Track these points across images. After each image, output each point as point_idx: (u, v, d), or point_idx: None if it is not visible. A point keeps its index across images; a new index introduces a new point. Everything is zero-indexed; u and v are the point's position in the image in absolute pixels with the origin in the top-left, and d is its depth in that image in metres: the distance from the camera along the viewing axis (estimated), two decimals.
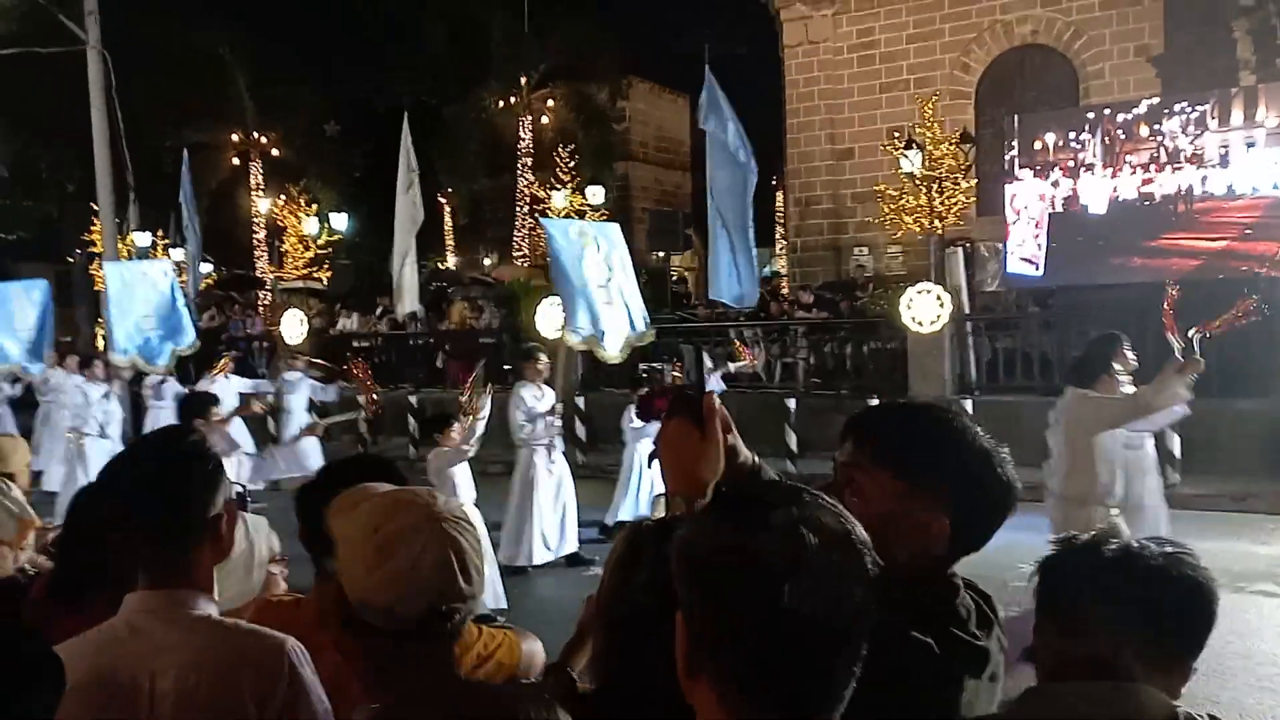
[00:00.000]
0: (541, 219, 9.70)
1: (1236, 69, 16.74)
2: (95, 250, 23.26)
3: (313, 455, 8.16)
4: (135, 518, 1.77)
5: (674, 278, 25.07)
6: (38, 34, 16.22)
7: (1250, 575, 7.44)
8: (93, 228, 23.99)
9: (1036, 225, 12.59)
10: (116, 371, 11.38)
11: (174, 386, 12.59)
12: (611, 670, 1.49)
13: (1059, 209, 12.35)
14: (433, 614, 1.43)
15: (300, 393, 12.22)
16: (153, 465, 1.82)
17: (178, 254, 24.04)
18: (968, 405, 11.01)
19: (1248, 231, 11.44)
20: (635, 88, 31.09)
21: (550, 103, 27.95)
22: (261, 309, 23.92)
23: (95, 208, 17.87)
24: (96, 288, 19.77)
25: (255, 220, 29.55)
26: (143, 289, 11.12)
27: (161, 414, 12.42)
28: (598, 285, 8.92)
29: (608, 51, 26.73)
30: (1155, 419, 5.53)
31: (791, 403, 12.60)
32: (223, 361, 12.06)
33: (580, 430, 13.73)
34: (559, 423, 8.69)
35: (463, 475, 6.73)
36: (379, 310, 19.61)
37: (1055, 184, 12.34)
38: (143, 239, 24.99)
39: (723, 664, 1.03)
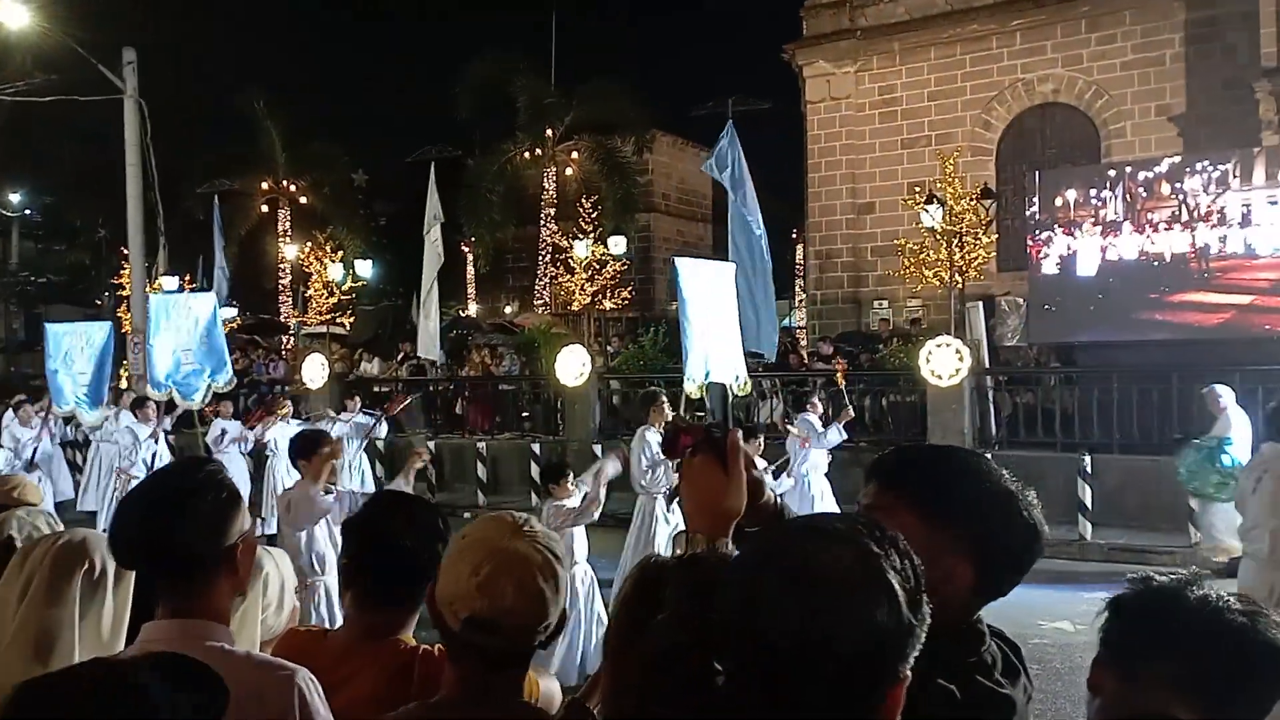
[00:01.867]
0: (675, 258, 9.14)
1: (1259, 129, 16.82)
2: (124, 294, 23.61)
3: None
4: (146, 551, 1.79)
5: None
6: (76, 82, 16.66)
7: None
8: (122, 271, 24.38)
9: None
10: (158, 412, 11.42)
11: (233, 429, 12.57)
12: (638, 707, 1.52)
13: (1059, 266, 12.51)
14: (520, 633, 1.59)
15: (359, 434, 12.36)
16: (161, 499, 1.83)
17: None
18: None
19: (1270, 290, 11.40)
20: (659, 140, 31.44)
21: (574, 155, 28.32)
22: (285, 353, 24.14)
23: (126, 252, 18.19)
24: (124, 330, 20.09)
25: (281, 266, 29.95)
26: (184, 321, 10.94)
27: (230, 462, 12.41)
28: (716, 330, 8.53)
29: (632, 106, 27.13)
30: None
31: None
32: (283, 404, 12.18)
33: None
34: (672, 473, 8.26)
35: (578, 531, 6.51)
36: (400, 355, 19.75)
37: (1049, 241, 12.50)
38: (171, 283, 25.34)
39: (728, 672, 1.11)
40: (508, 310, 29.96)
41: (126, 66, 15.65)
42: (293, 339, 26.29)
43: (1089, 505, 10.48)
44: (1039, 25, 20.27)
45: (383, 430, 12.94)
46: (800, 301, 27.43)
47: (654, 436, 8.18)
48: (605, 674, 2.06)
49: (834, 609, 1.03)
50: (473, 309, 30.74)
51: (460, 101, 26.98)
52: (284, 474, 11.54)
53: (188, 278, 27.13)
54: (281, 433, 11.81)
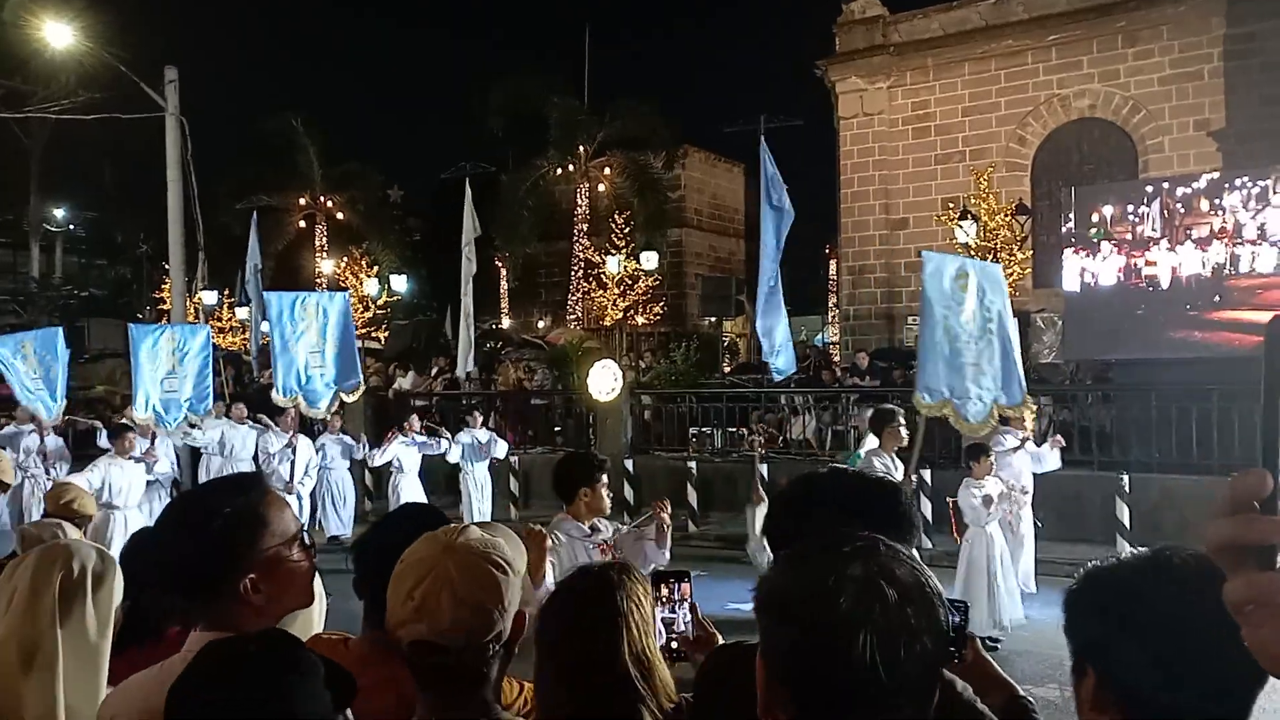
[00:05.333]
0: (924, 251, 8.24)
1: None
2: (164, 308, 23.99)
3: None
4: (160, 571, 1.87)
5: (725, 342, 25.17)
6: (119, 100, 17.00)
7: None
8: (163, 286, 24.78)
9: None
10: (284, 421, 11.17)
11: (339, 442, 12.51)
12: None
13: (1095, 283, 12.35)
14: (468, 648, 1.54)
15: (483, 455, 12.17)
16: (174, 522, 1.88)
17: (242, 312, 24.70)
18: None
19: None
20: (691, 156, 31.55)
21: (607, 170, 28.46)
22: None
23: (166, 267, 18.49)
24: None
25: (318, 281, 30.31)
26: (314, 322, 10.43)
27: (333, 473, 12.37)
28: (967, 340, 7.54)
29: (663, 122, 27.25)
30: None
31: None
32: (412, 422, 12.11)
33: (628, 492, 13.68)
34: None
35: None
36: (434, 370, 19.89)
37: (1104, 258, 12.31)
38: (210, 297, 25.73)
39: (797, 705, 1.09)
40: (540, 325, 30.11)
41: (168, 85, 15.92)
42: None
43: (1127, 525, 10.33)
44: (1075, 40, 20.12)
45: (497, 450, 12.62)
46: (833, 317, 27.33)
47: (880, 461, 7.39)
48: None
49: (921, 616, 1.07)
50: (506, 323, 30.94)
51: (493, 119, 27.23)
52: (407, 492, 11.63)
53: (226, 291, 27.55)
54: (404, 452, 11.85)
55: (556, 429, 16.58)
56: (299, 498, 10.92)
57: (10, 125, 26.55)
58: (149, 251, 31.40)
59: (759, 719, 1.13)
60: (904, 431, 7.57)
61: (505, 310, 31.73)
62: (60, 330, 11.99)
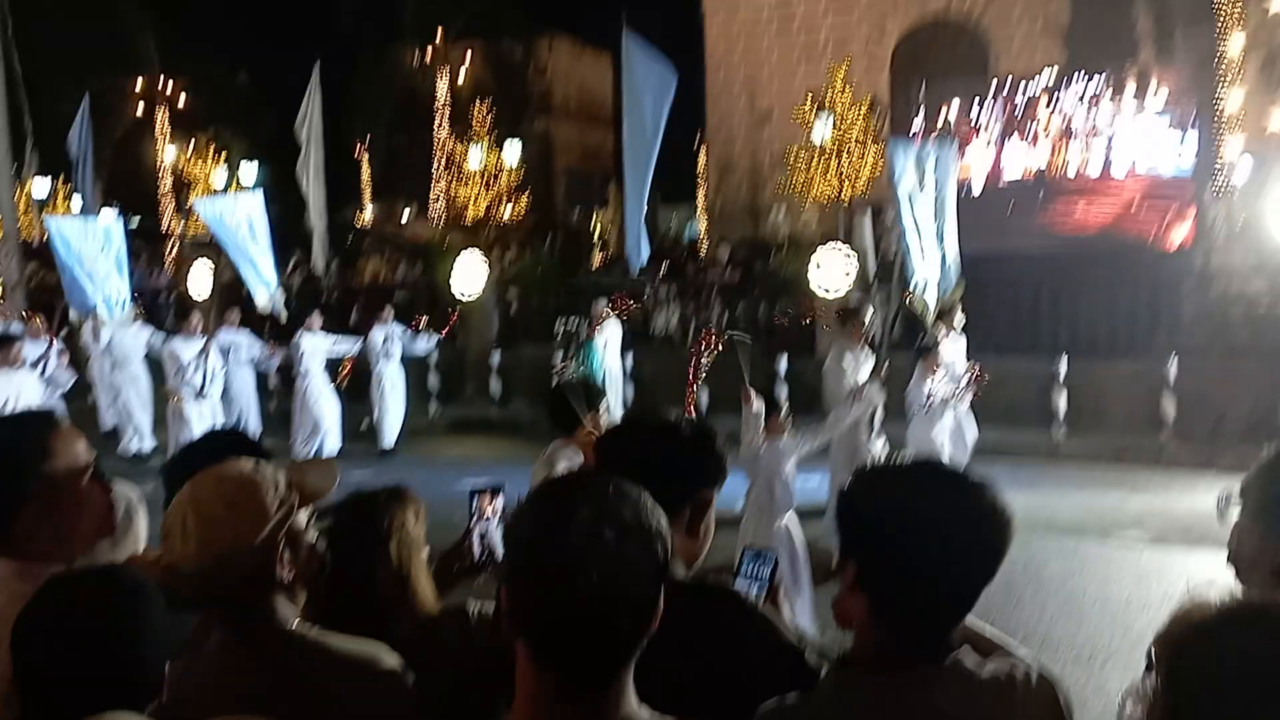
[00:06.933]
0: (892, 139, 8.09)
1: (1138, 43, 17.35)
2: None
3: None
4: None
5: (595, 233, 25.15)
6: None
7: (1119, 524, 7.97)
8: None
9: None
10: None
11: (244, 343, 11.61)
12: None
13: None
14: (218, 568, 1.60)
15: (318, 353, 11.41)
16: None
17: (78, 202, 23.22)
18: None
19: (1136, 205, 12.01)
20: (558, 44, 30.76)
21: (467, 54, 27.57)
22: (168, 261, 23.32)
23: None
24: None
25: (161, 169, 28.66)
26: (243, 223, 10.48)
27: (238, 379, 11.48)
28: (926, 225, 7.52)
29: (524, 8, 26.46)
30: None
31: (702, 361, 12.85)
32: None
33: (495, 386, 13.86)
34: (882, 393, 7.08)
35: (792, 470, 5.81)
36: (291, 263, 19.27)
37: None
38: (42, 184, 24.07)
39: (530, 633, 1.22)
40: (404, 218, 29.37)
41: None
42: (176, 246, 25.35)
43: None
44: None
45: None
46: (701, 210, 27.56)
47: (851, 355, 7.32)
48: None
49: (641, 555, 1.21)
50: (369, 211, 30.08)
51: (348, 2, 25.92)
52: (314, 396, 11.02)
53: (61, 178, 25.80)
54: (311, 346, 11.20)
55: (424, 318, 16.39)
56: (216, 404, 10.39)
57: None
58: None
59: (502, 642, 1.26)
60: (869, 323, 7.62)
61: (367, 200, 30.75)
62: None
